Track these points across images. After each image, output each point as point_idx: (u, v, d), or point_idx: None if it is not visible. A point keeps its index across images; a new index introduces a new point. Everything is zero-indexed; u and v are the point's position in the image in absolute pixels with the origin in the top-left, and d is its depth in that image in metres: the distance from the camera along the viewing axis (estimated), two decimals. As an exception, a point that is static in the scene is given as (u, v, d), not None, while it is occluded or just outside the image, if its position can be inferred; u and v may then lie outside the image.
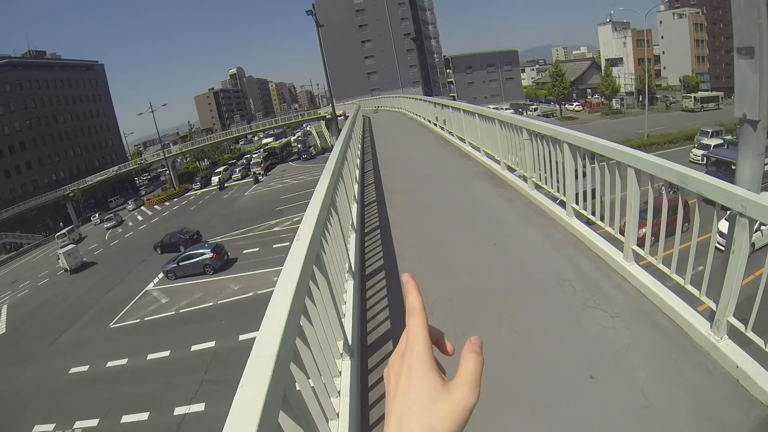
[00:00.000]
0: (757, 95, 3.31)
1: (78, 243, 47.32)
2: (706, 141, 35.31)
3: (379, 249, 5.63)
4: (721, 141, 33.98)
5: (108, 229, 52.69)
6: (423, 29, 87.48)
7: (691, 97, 66.42)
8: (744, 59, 3.34)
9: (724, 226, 3.20)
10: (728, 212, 2.93)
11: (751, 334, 2.79)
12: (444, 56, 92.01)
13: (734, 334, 2.98)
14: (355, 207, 6.64)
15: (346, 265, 4.33)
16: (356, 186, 7.88)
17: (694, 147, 35.17)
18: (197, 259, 26.19)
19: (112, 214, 57.27)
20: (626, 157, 3.98)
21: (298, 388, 1.72)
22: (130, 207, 63.53)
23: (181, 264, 26.64)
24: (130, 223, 52.55)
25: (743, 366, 2.78)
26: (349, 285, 4.25)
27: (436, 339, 0.61)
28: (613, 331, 3.42)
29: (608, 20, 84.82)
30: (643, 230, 4.05)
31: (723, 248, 3.07)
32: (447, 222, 6.29)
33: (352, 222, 5.86)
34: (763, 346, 2.67)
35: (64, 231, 51.39)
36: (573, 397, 2.88)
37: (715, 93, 66.95)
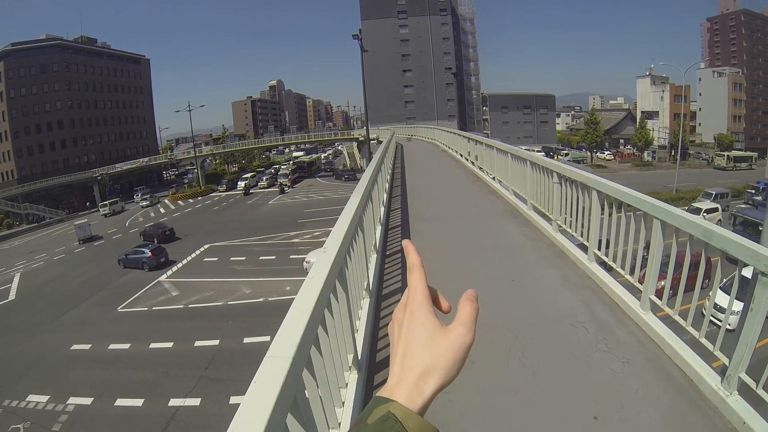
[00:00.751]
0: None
1: (118, 214, 57.16)
2: (697, 204, 34.01)
3: (398, 272, 5.71)
4: (716, 206, 32.72)
5: (143, 207, 58.66)
6: (464, 65, 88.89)
7: (724, 155, 65.70)
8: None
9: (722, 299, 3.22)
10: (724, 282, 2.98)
11: (761, 392, 2.79)
12: (482, 94, 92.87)
13: (744, 392, 2.99)
14: (379, 229, 6.78)
15: (365, 283, 4.45)
16: (383, 209, 8.03)
17: (685, 210, 33.14)
18: (138, 255, 30.08)
19: (149, 195, 62.62)
20: (654, 209, 4.03)
21: (306, 393, 1.76)
22: (173, 191, 67.74)
23: (128, 256, 30.66)
24: (152, 214, 53.67)
25: (750, 423, 2.78)
26: (366, 302, 4.35)
27: (433, 297, 0.66)
28: (623, 375, 3.45)
29: (648, 74, 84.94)
30: (663, 282, 4.09)
31: (719, 322, 3.11)
32: (468, 254, 6.38)
33: (375, 243, 5.99)
34: None
35: (107, 202, 58.15)
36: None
37: (748, 153, 66.40)
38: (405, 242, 0.70)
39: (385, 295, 5.09)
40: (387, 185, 10.41)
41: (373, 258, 5.54)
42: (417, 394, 0.56)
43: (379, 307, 4.77)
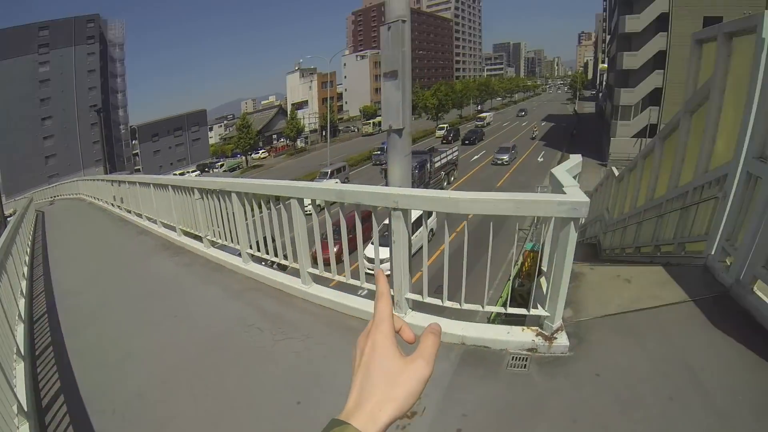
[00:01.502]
0: (401, 109, 3.92)
1: None
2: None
3: (54, 372, 4.32)
4: (335, 181, 33.69)
5: None
6: (111, 98, 77.89)
7: (369, 123, 77.05)
8: (389, 81, 3.92)
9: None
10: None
11: (428, 299, 3.51)
12: (130, 126, 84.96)
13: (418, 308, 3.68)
14: (21, 327, 5.42)
15: (14, 406, 3.40)
16: (23, 301, 6.48)
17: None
18: None
19: None
20: (289, 190, 4.31)
21: None
22: None
23: None
24: None
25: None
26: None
27: (398, 327, 0.68)
28: (308, 351, 3.59)
29: (296, 68, 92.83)
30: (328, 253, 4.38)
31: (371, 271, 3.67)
32: (123, 312, 5.44)
33: (18, 348, 4.70)
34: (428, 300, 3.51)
35: None
36: (283, 427, 2.86)
37: (386, 116, 79.62)
38: (378, 271, 0.74)
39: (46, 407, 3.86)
40: (26, 269, 8.60)
41: (20, 367, 4.35)
42: (372, 422, 0.57)
43: (44, 423, 3.68)
